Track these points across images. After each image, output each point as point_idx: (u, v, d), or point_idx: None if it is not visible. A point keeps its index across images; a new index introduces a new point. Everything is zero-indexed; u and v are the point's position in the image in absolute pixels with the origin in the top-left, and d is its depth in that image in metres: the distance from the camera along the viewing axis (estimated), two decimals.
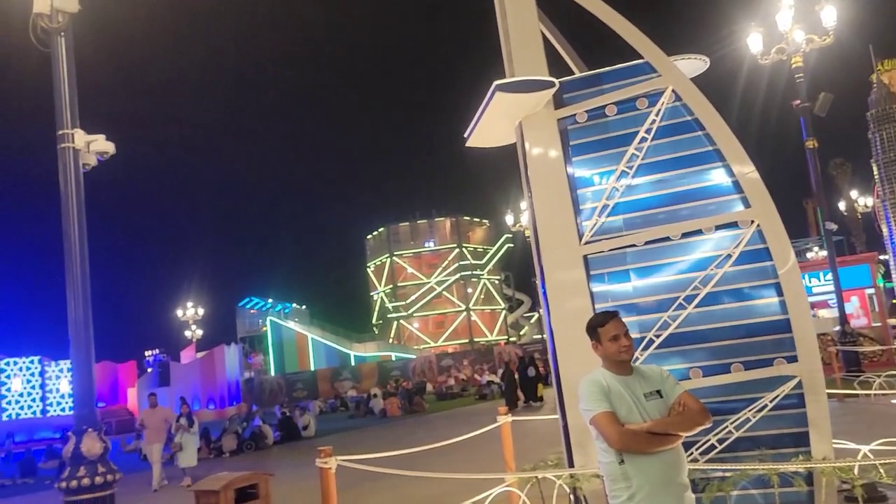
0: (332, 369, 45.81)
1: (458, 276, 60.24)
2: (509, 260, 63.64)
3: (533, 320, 59.81)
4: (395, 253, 61.84)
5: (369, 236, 64.84)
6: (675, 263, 5.26)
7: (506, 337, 60.44)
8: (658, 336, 5.16)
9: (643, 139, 5.38)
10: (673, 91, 5.34)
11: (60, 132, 5.41)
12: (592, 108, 5.55)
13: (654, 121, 5.36)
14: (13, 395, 32.77)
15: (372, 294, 65.03)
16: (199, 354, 42.67)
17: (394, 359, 49.03)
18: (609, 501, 3.26)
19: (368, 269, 64.91)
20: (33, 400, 33.25)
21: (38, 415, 33.12)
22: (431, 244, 62.65)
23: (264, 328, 55.71)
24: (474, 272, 61.09)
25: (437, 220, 62.38)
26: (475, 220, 64.77)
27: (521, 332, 62.23)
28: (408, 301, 61.06)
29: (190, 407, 15.00)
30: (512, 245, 60.06)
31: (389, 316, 61.72)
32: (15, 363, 33.15)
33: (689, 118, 5.31)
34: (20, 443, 27.61)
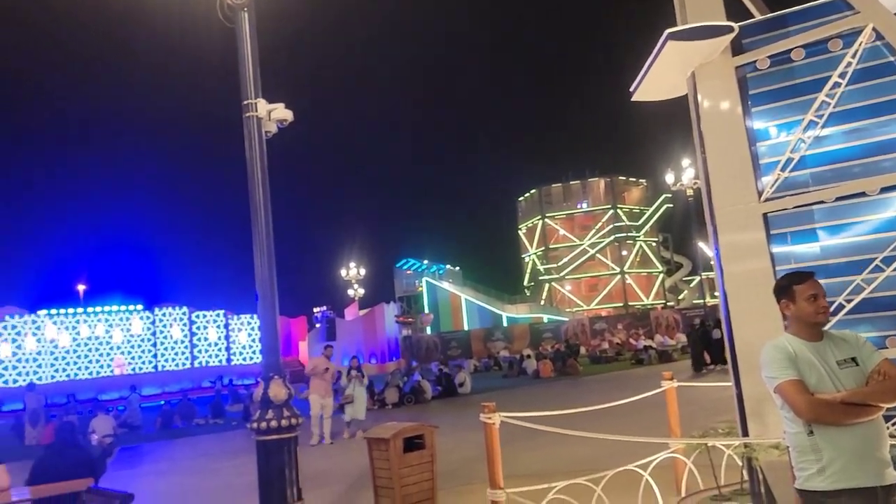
0: (485, 330, 46.65)
1: (612, 238, 58.68)
2: (668, 221, 60.99)
3: (693, 284, 57.16)
4: (548, 215, 61.28)
5: (521, 198, 64.64)
6: (871, 221, 4.77)
7: (663, 301, 58.30)
8: (849, 301, 4.73)
9: (836, 84, 4.87)
10: (873, 29, 4.77)
11: (245, 102, 5.84)
12: (776, 54, 5.10)
13: (849, 63, 4.83)
14: (203, 345, 36.55)
15: (523, 256, 65.09)
16: (362, 312, 45.15)
17: (546, 321, 49.00)
18: (795, 473, 3.07)
19: (520, 231, 64.91)
20: (219, 349, 36.92)
21: (224, 363, 36.76)
22: (584, 205, 61.39)
23: (420, 288, 57.70)
24: (630, 234, 59.20)
25: (590, 180, 60.93)
26: (631, 179, 62.50)
27: (680, 297, 59.71)
28: (560, 263, 60.51)
29: (359, 361, 15.70)
30: (671, 205, 57.45)
31: (541, 278, 61.55)
32: (204, 316, 36.88)
33: (892, 59, 4.73)
34: (208, 387, 30.84)
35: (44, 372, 31.58)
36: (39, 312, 33.25)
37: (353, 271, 49.06)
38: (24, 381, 29.63)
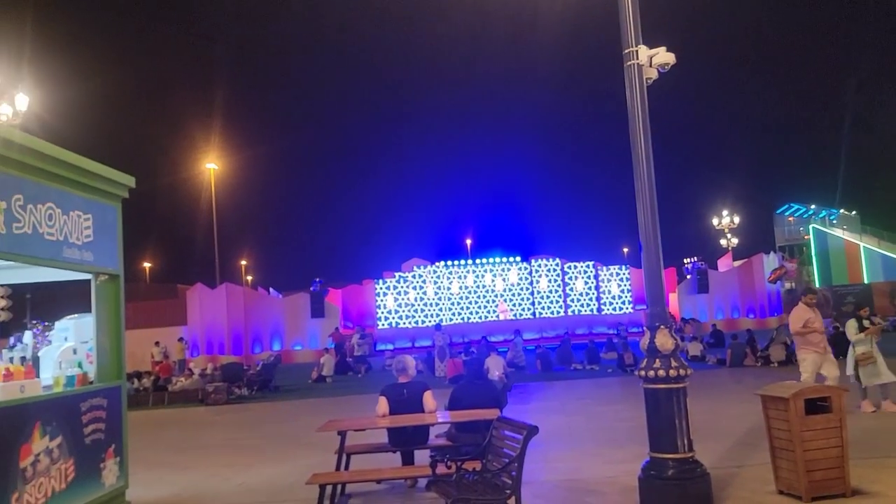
0: (892, 284, 39.85)
1: None
2: None
3: None
4: None
5: None
6: None
7: None
8: None
9: None
10: None
11: (626, 51, 5.80)
12: None
13: None
14: (575, 294, 38.22)
15: None
16: (736, 263, 42.26)
17: None
18: None
19: None
20: (589, 299, 38.19)
21: (595, 312, 37.95)
22: None
23: (806, 237, 51.67)
24: None
25: None
26: None
27: None
28: None
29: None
30: None
31: None
32: (574, 267, 38.46)
33: None
34: (581, 335, 32.20)
35: (443, 315, 36.49)
36: (438, 263, 38.37)
37: (725, 220, 46.09)
38: (431, 322, 34.68)
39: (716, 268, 41.36)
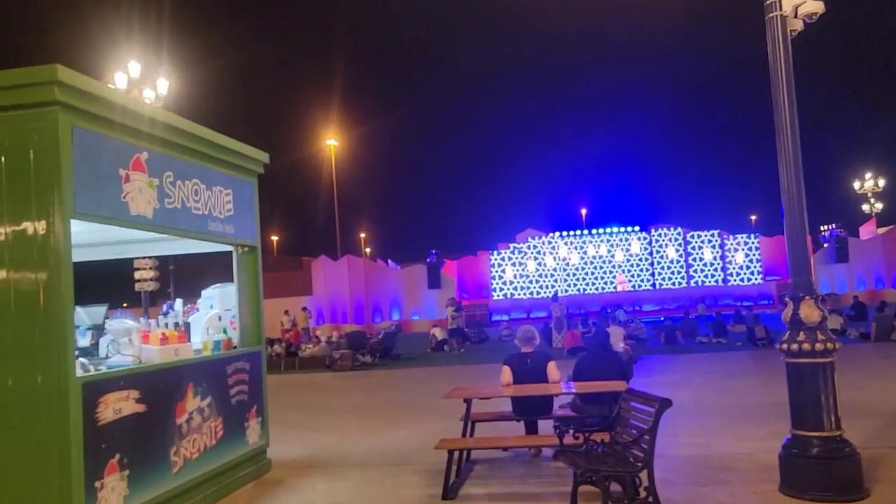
0: None
1: None
2: None
3: None
4: None
5: None
6: None
7: None
8: None
9: None
10: None
11: (768, 2, 5.39)
12: None
13: None
14: (699, 265, 36.69)
15: None
16: (881, 230, 38.96)
17: None
18: None
19: None
20: (714, 269, 36.54)
21: (720, 283, 36.30)
22: None
23: None
24: None
25: None
26: None
27: None
28: None
29: None
30: None
31: None
32: (699, 236, 36.87)
33: None
34: (707, 307, 30.94)
35: (558, 286, 36.11)
36: (553, 234, 37.95)
37: (868, 183, 42.52)
38: (546, 293, 34.47)
39: (857, 235, 38.33)
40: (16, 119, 4.62)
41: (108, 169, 5.07)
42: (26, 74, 4.62)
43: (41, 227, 4.56)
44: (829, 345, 5.50)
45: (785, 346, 5.64)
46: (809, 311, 5.59)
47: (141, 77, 16.26)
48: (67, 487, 4.48)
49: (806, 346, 5.50)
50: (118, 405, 5.01)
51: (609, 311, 23.77)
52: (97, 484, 4.74)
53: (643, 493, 4.95)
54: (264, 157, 7.55)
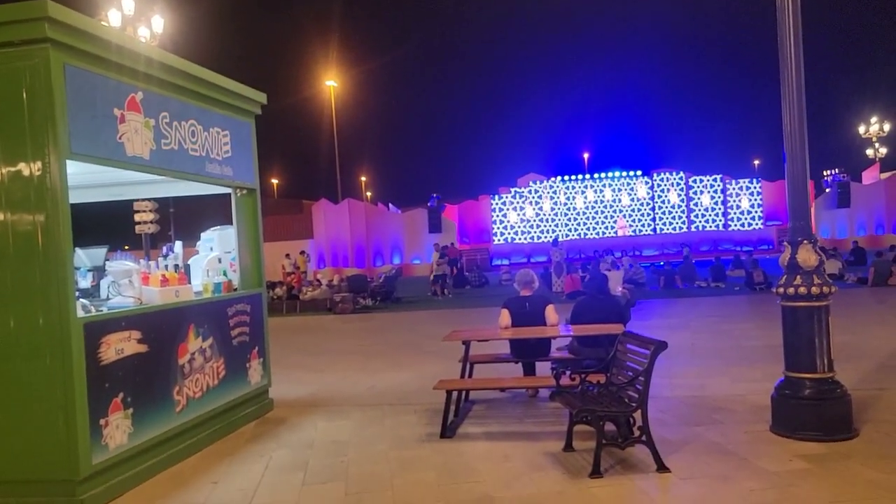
0: None
1: None
2: None
3: None
4: None
5: None
6: None
7: None
8: None
9: None
10: None
11: None
12: None
13: None
14: (700, 209, 36.59)
15: None
16: (884, 175, 38.71)
17: None
18: None
19: None
20: (716, 214, 36.46)
21: (721, 228, 36.29)
22: None
23: None
24: None
25: None
26: None
27: None
28: None
29: None
30: None
31: None
32: (700, 181, 36.64)
33: None
34: (707, 251, 31.01)
35: (559, 231, 36.11)
36: (554, 179, 37.69)
37: (873, 127, 42.02)
38: (547, 238, 34.49)
39: (859, 180, 38.10)
40: (6, 57, 4.54)
41: (103, 109, 5.00)
42: (15, 10, 4.51)
43: (36, 167, 4.53)
44: (825, 288, 5.54)
45: (781, 289, 5.67)
46: (807, 256, 5.60)
47: (135, 14, 15.89)
48: (73, 425, 4.58)
49: (802, 289, 5.53)
50: (120, 345, 5.08)
51: (597, 255, 23.84)
52: (102, 422, 4.85)
53: (637, 433, 5.05)
54: (262, 97, 7.44)
